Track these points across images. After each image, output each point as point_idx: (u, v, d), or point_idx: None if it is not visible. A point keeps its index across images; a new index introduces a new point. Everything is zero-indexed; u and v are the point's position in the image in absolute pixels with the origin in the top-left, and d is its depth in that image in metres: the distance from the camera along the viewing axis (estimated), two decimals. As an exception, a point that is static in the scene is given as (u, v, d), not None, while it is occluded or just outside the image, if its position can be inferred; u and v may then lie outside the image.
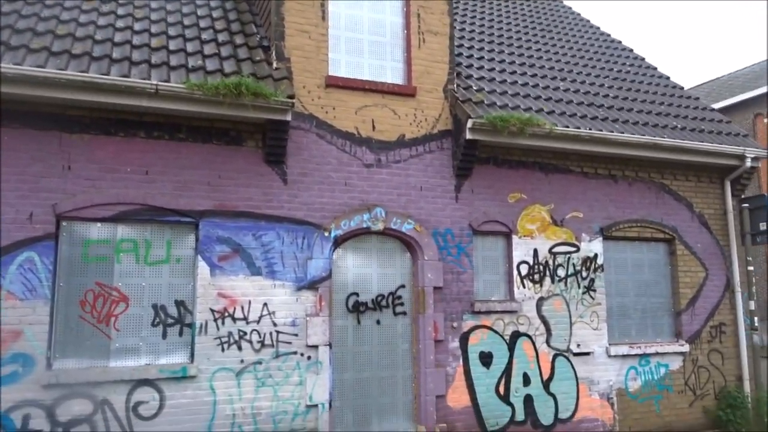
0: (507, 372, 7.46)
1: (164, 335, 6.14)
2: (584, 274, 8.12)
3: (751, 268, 9.12)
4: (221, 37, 7.17)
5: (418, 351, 7.07)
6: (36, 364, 5.56)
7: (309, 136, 6.91)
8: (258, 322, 6.39)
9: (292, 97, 6.31)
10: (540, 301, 7.78)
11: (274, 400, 6.33)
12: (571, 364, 7.84)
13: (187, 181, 6.32)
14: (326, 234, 6.79)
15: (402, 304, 7.21)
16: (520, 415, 7.43)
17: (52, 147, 5.88)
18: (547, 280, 7.88)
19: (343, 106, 7.11)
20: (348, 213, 6.93)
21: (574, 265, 8.07)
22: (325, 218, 6.83)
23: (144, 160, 6.18)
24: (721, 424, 8.47)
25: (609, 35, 12.60)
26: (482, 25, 10.88)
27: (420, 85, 7.50)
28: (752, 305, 9.00)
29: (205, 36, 7.10)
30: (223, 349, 6.22)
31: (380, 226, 7.04)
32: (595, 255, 8.23)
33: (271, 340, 6.41)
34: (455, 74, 7.88)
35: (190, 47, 6.74)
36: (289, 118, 6.39)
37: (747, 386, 8.78)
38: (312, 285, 6.65)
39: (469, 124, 7.14)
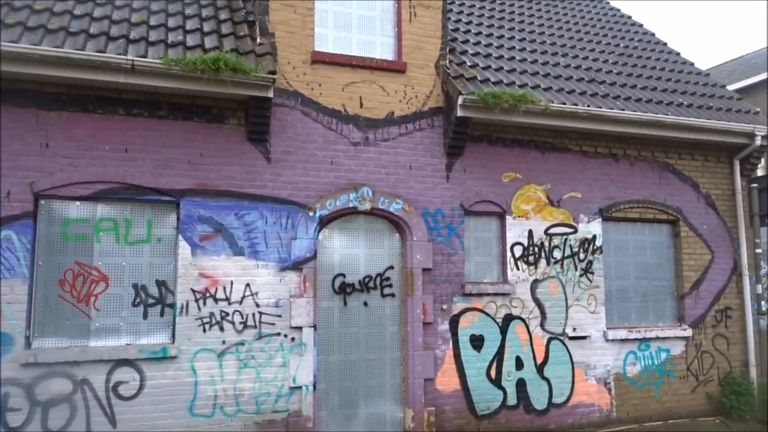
0: (499, 355, 7.29)
1: (145, 315, 6.08)
2: (582, 256, 7.88)
3: (759, 250, 8.79)
4: (205, 12, 7.02)
5: (407, 333, 6.93)
6: (14, 343, 5.54)
7: (294, 113, 6.74)
8: (240, 302, 6.29)
9: (273, 72, 6.14)
10: (534, 284, 7.57)
11: (257, 381, 6.25)
12: (567, 348, 7.64)
13: (168, 160, 6.20)
14: (311, 214, 6.64)
15: (390, 285, 7.06)
16: (512, 400, 7.28)
17: (30, 124, 5.80)
18: (543, 262, 7.66)
19: (329, 83, 6.92)
20: (334, 192, 6.78)
21: (571, 246, 7.83)
22: (310, 198, 6.69)
23: (123, 137, 6.08)
24: (724, 411, 8.22)
25: (618, 10, 12.18)
26: (483, 2, 10.54)
27: (410, 60, 7.27)
28: (760, 289, 8.70)
29: (188, 11, 6.94)
30: (204, 330, 6.14)
31: (367, 206, 6.88)
32: (594, 236, 7.97)
33: (254, 321, 6.32)
34: (447, 49, 7.63)
35: (171, 22, 6.59)
36: (270, 94, 6.22)
37: (753, 372, 8.50)
38: (296, 265, 6.52)
39: (460, 100, 6.91)
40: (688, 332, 8.28)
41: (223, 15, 7.07)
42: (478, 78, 7.40)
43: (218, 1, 7.40)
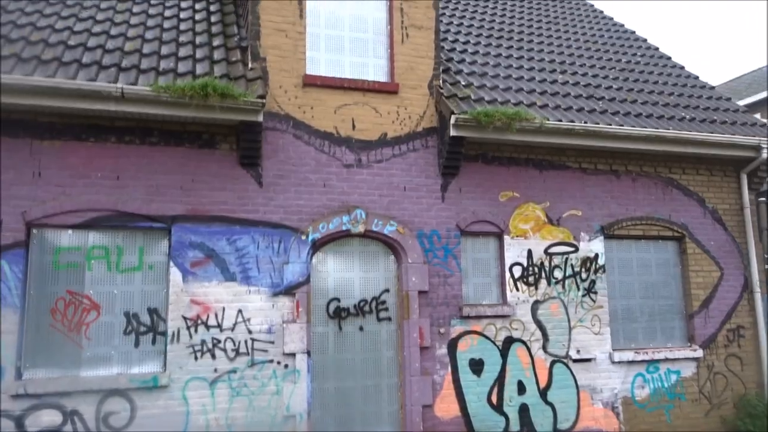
0: (500, 380, 7.10)
1: (137, 344, 6.04)
2: (584, 275, 7.70)
3: (770, 266, 8.53)
4: (199, 39, 7.08)
5: (403, 358, 6.80)
6: (5, 373, 5.53)
7: (285, 137, 6.73)
8: (232, 329, 6.23)
9: (262, 97, 6.14)
10: (535, 305, 7.40)
11: (250, 410, 6.15)
12: (571, 371, 7.42)
13: (160, 186, 6.21)
14: (303, 237, 6.59)
15: (386, 309, 6.95)
16: (514, 426, 7.07)
17: (23, 154, 5.85)
18: (543, 282, 7.50)
19: (321, 106, 6.91)
20: (327, 215, 6.73)
21: (572, 266, 7.67)
22: (303, 221, 6.64)
23: (115, 165, 6.11)
24: (739, 435, 7.92)
25: (622, 25, 12.09)
26: (483, 19, 10.55)
27: (403, 81, 7.25)
28: (772, 307, 8.41)
29: (183, 38, 7.01)
30: (196, 358, 6.08)
31: (360, 229, 6.81)
32: (596, 255, 7.79)
33: (246, 348, 6.24)
34: (441, 69, 7.60)
35: (164, 50, 6.65)
36: (260, 118, 6.22)
37: (768, 394, 8.19)
38: (289, 290, 6.45)
39: (452, 120, 6.85)
40: (699, 353, 8.01)
41: (216, 41, 7.13)
42: (472, 97, 7.34)
43: (213, 28, 7.47)
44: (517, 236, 7.47)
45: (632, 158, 8.17)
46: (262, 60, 6.73)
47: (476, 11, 10.94)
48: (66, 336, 5.84)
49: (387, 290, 6.99)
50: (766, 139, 8.27)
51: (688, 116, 8.52)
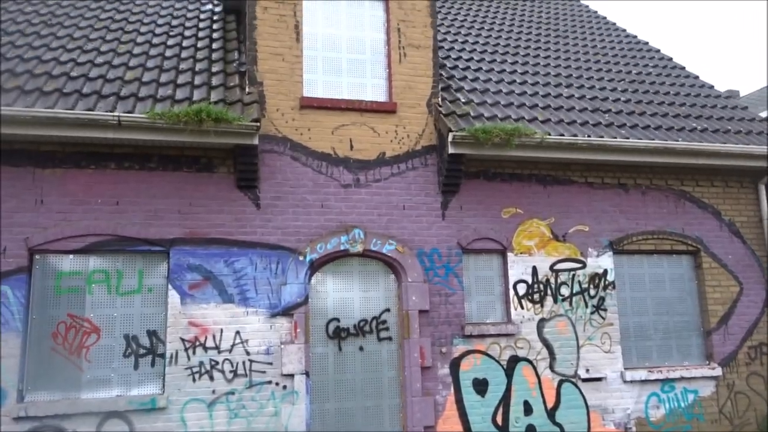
0: (505, 400, 6.94)
1: (136, 366, 6.11)
2: (592, 292, 7.50)
3: (793, 280, 8.17)
4: (200, 66, 7.23)
5: (405, 378, 6.71)
6: (7, 396, 5.65)
7: (283, 158, 6.80)
8: (230, 351, 6.25)
9: (257, 120, 6.22)
10: (541, 323, 7.24)
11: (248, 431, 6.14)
12: (580, 391, 7.21)
13: (158, 210, 6.33)
14: (301, 258, 6.60)
15: (387, 329, 6.89)
16: (521, 447, 6.88)
17: (26, 182, 6.04)
18: (549, 299, 7.33)
19: (318, 127, 6.96)
20: (325, 236, 6.73)
21: (580, 282, 7.48)
22: (301, 242, 6.66)
23: (115, 191, 6.25)
24: (764, 458, 7.54)
25: (635, 37, 11.91)
26: (489, 36, 10.52)
27: (401, 100, 7.26)
28: (797, 322, 8.03)
29: (183, 66, 7.17)
30: (194, 380, 6.11)
31: (359, 248, 6.79)
32: (605, 271, 7.59)
33: (244, 370, 6.25)
34: (440, 87, 7.59)
35: (164, 77, 6.81)
36: (256, 141, 6.29)
37: (795, 414, 7.78)
38: (287, 311, 6.46)
39: (450, 137, 6.81)
40: (718, 371, 7.69)
41: (217, 67, 7.27)
42: (471, 114, 7.29)
43: (215, 54, 7.63)
44: (521, 253, 7.34)
45: (641, 171, 7.98)
46: (258, 84, 6.84)
47: (483, 27, 10.93)
48: (67, 359, 5.95)
49: (387, 310, 6.93)
50: (782, 147, 7.98)
51: (700, 127, 8.29)
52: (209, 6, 9.33)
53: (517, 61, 9.50)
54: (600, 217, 7.72)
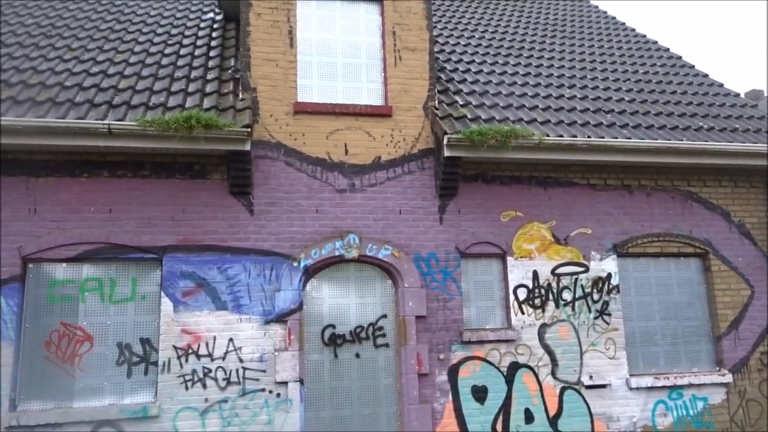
0: (505, 408, 6.78)
1: (129, 374, 6.09)
2: (596, 296, 7.31)
3: (807, 283, 7.88)
4: (195, 73, 7.24)
5: (402, 386, 6.59)
6: (0, 405, 5.65)
7: (277, 164, 6.75)
8: (223, 358, 6.20)
9: (248, 126, 6.19)
10: (543, 328, 7.07)
11: (241, 440, 6.07)
12: (584, 398, 7.02)
13: (151, 218, 6.31)
14: (295, 264, 6.54)
15: (384, 335, 6.78)
16: (523, 457, 6.71)
17: (20, 192, 6.08)
18: (551, 304, 7.16)
19: (313, 132, 6.91)
20: (319, 241, 6.66)
21: (582, 287, 7.30)
22: (295, 248, 6.59)
23: (108, 199, 6.26)
24: (780, 468, 7.26)
25: (644, 36, 11.69)
26: (493, 38, 10.40)
27: (397, 104, 7.18)
28: (812, 326, 7.74)
29: (178, 74, 7.18)
30: (186, 388, 6.06)
31: (354, 254, 6.70)
32: (609, 275, 7.40)
33: (238, 377, 6.19)
34: (436, 90, 7.49)
35: (158, 85, 6.83)
36: (247, 147, 6.26)
37: (812, 422, 7.49)
38: (280, 318, 6.39)
39: (445, 140, 6.71)
40: (728, 378, 7.43)
41: (212, 74, 7.27)
42: (469, 116, 7.19)
43: (211, 62, 7.63)
44: (521, 257, 7.19)
45: (646, 172, 7.78)
46: (252, 90, 6.81)
47: (487, 29, 10.81)
48: (60, 367, 5.95)
49: (384, 316, 6.83)
50: (792, 146, 7.72)
51: (706, 126, 8.08)
52: (210, 15, 9.36)
53: (519, 63, 9.36)
54: (603, 220, 7.54)
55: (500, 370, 6.85)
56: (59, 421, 5.71)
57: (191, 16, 9.18)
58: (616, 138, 7.29)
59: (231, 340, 6.24)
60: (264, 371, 6.26)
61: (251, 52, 6.91)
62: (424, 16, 7.50)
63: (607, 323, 7.27)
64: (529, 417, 6.82)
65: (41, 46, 7.39)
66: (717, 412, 7.37)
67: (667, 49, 11.09)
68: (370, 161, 7.00)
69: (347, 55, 7.33)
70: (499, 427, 6.71)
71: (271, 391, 6.23)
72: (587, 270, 7.36)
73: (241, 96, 6.81)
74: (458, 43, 9.88)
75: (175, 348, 6.11)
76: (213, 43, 8.18)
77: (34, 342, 5.94)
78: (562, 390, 6.98)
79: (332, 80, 7.22)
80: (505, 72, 8.90)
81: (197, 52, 7.88)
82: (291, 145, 6.82)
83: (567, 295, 7.23)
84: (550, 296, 7.18)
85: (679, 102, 8.77)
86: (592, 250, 7.43)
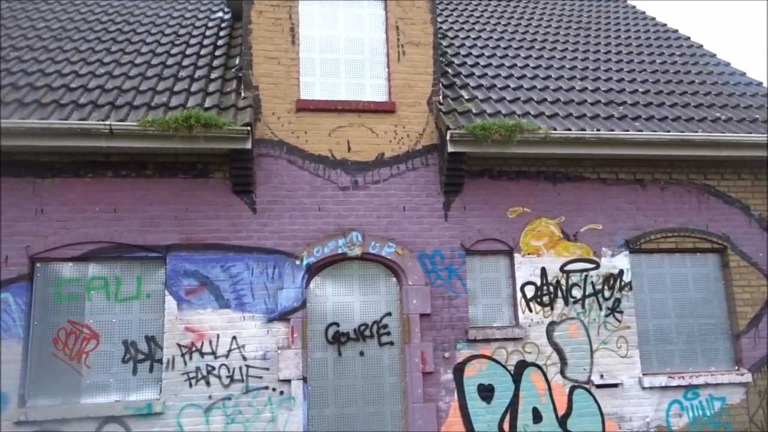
0: (512, 407, 6.66)
1: (134, 371, 6.16)
2: (607, 293, 7.13)
3: (833, 278, 7.55)
4: (199, 73, 7.28)
5: (406, 384, 6.53)
6: (9, 401, 5.78)
7: (279, 162, 6.74)
8: (227, 356, 6.23)
9: (248, 125, 6.19)
10: (551, 326, 6.92)
11: (244, 437, 6.10)
12: (594, 398, 6.85)
13: (155, 217, 6.37)
14: (297, 262, 6.52)
15: (388, 333, 6.73)
16: (531, 457, 6.59)
17: (26, 192, 6.19)
18: (560, 302, 7.01)
19: (315, 129, 6.88)
20: (322, 239, 6.64)
21: (593, 284, 7.13)
22: (298, 246, 6.58)
23: (112, 198, 6.34)
24: (802, 471, 6.98)
25: (664, 25, 11.36)
26: (505, 30, 10.21)
27: (400, 100, 7.10)
28: (837, 324, 7.41)
29: (183, 73, 7.23)
30: (190, 385, 6.11)
31: (357, 252, 6.66)
32: (621, 271, 7.21)
33: (241, 375, 6.22)
34: (441, 85, 7.39)
35: (162, 86, 6.88)
36: (248, 146, 6.26)
37: (837, 424, 7.18)
38: (283, 316, 6.39)
39: (448, 136, 6.60)
40: (748, 377, 7.17)
41: (216, 74, 7.30)
42: (473, 111, 7.06)
43: (216, 61, 7.67)
44: (528, 254, 7.05)
45: (659, 165, 7.55)
46: (254, 88, 6.82)
47: (499, 21, 10.63)
48: (67, 364, 6.06)
49: (389, 314, 6.78)
50: (815, 135, 7.39)
51: (724, 116, 7.79)
52: (219, 14, 9.41)
53: (531, 55, 9.18)
54: (615, 215, 7.34)
55: (507, 369, 6.74)
56: (66, 417, 5.81)
57: (200, 16, 9.24)
58: (627, 131, 7.08)
59: (234, 338, 6.27)
60: (267, 369, 6.27)
61: (253, 51, 6.91)
62: (428, 10, 7.40)
63: (619, 321, 7.08)
64: (537, 416, 6.69)
65: (50, 48, 7.51)
66: (735, 412, 7.13)
67: (688, 38, 10.75)
68: (373, 158, 6.94)
69: (350, 51, 7.28)
70: (506, 426, 6.61)
71: (274, 389, 6.24)
72: (598, 266, 7.18)
73: (243, 94, 6.82)
74: (468, 36, 9.73)
75: (179, 346, 6.16)
76: (219, 42, 8.22)
77: (42, 339, 6.06)
78: (572, 389, 6.83)
79: (335, 77, 7.17)
80: (515, 65, 8.73)
81: (203, 51, 7.92)
82: (293, 143, 6.81)
83: (577, 293, 7.07)
84: (559, 293, 7.03)
85: (696, 92, 8.48)
86: (603, 246, 7.24)
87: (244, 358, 6.25)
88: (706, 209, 7.60)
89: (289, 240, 6.58)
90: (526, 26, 10.59)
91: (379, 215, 6.82)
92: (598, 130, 7.01)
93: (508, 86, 7.98)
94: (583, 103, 7.72)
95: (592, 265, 7.17)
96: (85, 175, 6.32)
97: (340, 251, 6.64)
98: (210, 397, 6.12)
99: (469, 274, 6.96)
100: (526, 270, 7.01)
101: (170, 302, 6.23)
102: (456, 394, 6.58)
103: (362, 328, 6.69)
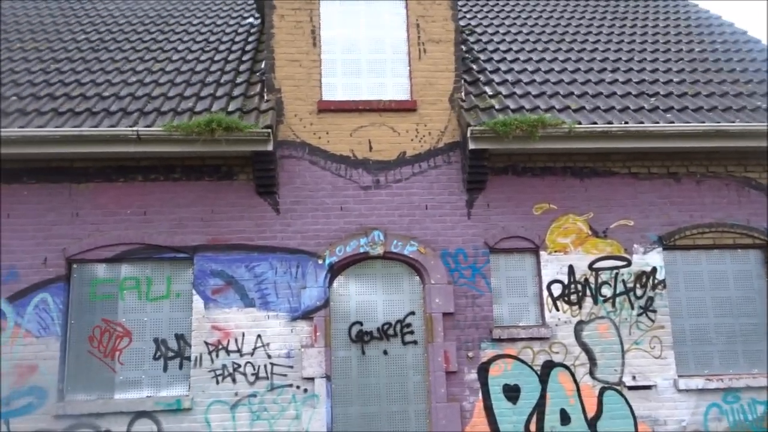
0: (539, 408, 6.54)
1: (165, 368, 6.38)
2: (639, 292, 6.90)
3: None
4: (225, 78, 7.46)
5: (430, 384, 6.51)
6: (48, 396, 6.09)
7: (302, 163, 6.84)
8: (252, 354, 6.37)
9: (269, 127, 6.30)
10: (579, 326, 6.76)
11: (269, 434, 6.22)
12: (626, 400, 6.64)
13: (182, 219, 6.58)
14: (320, 262, 6.60)
15: (412, 332, 6.72)
16: (559, 459, 6.45)
17: (63, 197, 6.51)
18: (588, 300, 6.83)
19: (337, 130, 6.95)
20: (344, 239, 6.69)
21: (624, 282, 6.91)
22: (320, 245, 6.66)
23: (142, 202, 6.58)
24: None
25: (706, 11, 10.89)
26: (536, 23, 10.00)
27: (421, 98, 7.08)
28: None
29: (209, 79, 7.43)
30: (217, 382, 6.28)
31: (379, 251, 6.68)
32: (654, 269, 6.96)
33: (266, 373, 6.34)
34: (462, 81, 7.32)
35: (189, 91, 7.09)
36: (269, 148, 6.38)
37: None
38: (306, 315, 6.48)
39: (468, 132, 6.54)
40: (794, 380, 6.80)
41: (242, 78, 7.47)
42: (496, 107, 6.97)
43: (243, 66, 7.84)
44: (555, 251, 6.90)
45: (695, 158, 7.25)
46: (276, 91, 6.94)
47: (531, 14, 10.41)
48: (101, 361, 6.33)
49: (413, 313, 6.77)
50: None
51: (765, 105, 7.40)
52: (250, 20, 9.62)
53: (560, 49, 8.97)
54: (647, 211, 7.10)
55: (533, 369, 6.61)
56: (101, 412, 6.08)
57: (231, 22, 9.46)
58: (657, 123, 6.83)
59: (259, 336, 6.40)
60: (291, 367, 6.37)
61: (275, 54, 7.04)
62: (449, 6, 7.34)
63: (652, 320, 6.84)
64: (565, 418, 6.54)
65: (88, 59, 7.86)
66: (780, 416, 6.77)
67: (731, 24, 10.26)
68: (395, 157, 6.95)
69: (372, 51, 7.31)
70: (532, 427, 6.49)
71: (298, 387, 6.33)
72: (629, 264, 6.95)
73: (266, 97, 6.95)
74: (497, 31, 9.59)
75: (206, 344, 6.34)
76: (248, 47, 8.41)
77: (78, 337, 6.36)
78: (602, 390, 6.64)
79: (356, 77, 7.22)
80: (543, 59, 8.55)
81: (231, 57, 8.11)
82: (315, 143, 6.89)
83: (607, 291, 6.87)
84: (588, 292, 6.85)
85: (737, 81, 8.10)
86: (634, 242, 7.01)
87: (269, 356, 6.38)
88: (747, 203, 7.24)
89: (312, 240, 6.67)
90: (558, 18, 10.35)
91: (401, 214, 6.82)
92: (626, 122, 6.79)
93: (534, 81, 7.83)
94: (612, 96, 7.50)
95: (623, 263, 6.95)
96: (117, 180, 6.59)
97: (361, 250, 6.68)
98: (236, 394, 6.27)
99: (493, 273, 6.87)
100: (553, 268, 6.87)
101: (197, 301, 6.42)
102: (480, 394, 6.51)
103: (386, 326, 6.71)
